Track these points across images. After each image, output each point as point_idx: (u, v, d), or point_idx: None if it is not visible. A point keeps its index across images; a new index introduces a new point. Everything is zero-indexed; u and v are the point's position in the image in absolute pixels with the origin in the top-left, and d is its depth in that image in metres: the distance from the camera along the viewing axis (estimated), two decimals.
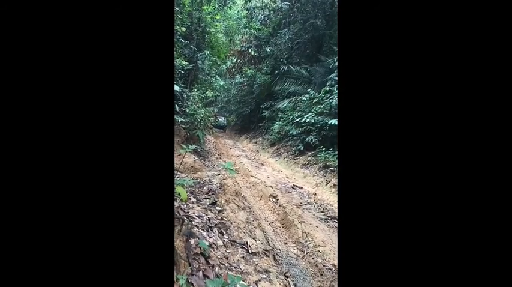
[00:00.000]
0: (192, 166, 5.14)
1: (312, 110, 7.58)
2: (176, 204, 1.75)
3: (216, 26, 9.05)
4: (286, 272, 2.36)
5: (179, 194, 1.69)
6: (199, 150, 6.49)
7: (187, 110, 6.48)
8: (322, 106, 7.33)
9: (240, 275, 1.98)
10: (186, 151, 1.55)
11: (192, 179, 4.20)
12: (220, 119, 15.52)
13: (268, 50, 12.52)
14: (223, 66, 14.55)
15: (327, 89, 7.52)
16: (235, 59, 14.79)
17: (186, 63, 6.34)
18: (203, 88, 8.16)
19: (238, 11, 14.12)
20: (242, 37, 14.00)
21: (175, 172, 4.06)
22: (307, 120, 7.35)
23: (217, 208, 3.33)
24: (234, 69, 15.13)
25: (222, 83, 12.71)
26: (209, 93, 8.29)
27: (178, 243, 1.81)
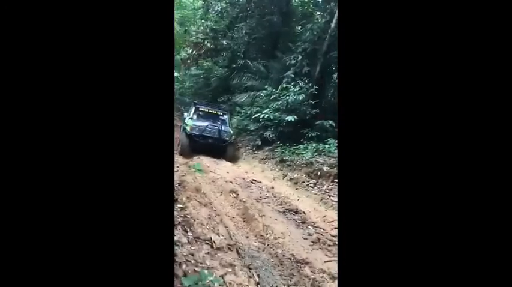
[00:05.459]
0: None
1: (270, 106, 7.78)
2: None
3: None
4: (249, 265, 2.49)
5: None
6: None
7: None
8: (279, 103, 7.57)
9: (209, 271, 2.05)
10: None
11: None
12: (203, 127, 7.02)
13: (225, 42, 12.37)
14: (178, 57, 13.98)
15: (284, 86, 7.78)
16: (190, 50, 14.30)
17: None
18: None
19: (193, 0, 13.64)
20: (198, 28, 13.59)
21: None
22: (266, 116, 7.54)
23: (179, 205, 3.31)
24: (189, 61, 14.62)
25: (176, 74, 12.21)
26: None
27: None
